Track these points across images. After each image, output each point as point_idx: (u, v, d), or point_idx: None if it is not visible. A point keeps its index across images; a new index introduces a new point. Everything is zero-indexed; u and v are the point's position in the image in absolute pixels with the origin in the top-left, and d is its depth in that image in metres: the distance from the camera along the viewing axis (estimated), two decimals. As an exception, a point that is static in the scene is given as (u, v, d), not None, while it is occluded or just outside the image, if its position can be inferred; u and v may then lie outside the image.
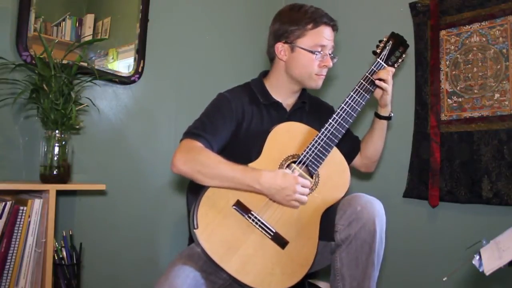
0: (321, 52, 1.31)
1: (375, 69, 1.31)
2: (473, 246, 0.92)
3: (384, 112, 1.39)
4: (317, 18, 1.30)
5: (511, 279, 1.49)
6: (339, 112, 1.27)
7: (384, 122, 1.40)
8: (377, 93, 1.35)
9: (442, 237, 1.77)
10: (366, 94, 1.29)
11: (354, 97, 1.28)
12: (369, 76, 1.30)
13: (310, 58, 1.31)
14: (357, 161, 1.50)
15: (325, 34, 1.31)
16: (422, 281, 1.79)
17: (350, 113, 1.27)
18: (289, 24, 1.32)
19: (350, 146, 1.46)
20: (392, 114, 1.40)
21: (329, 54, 1.33)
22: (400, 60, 1.35)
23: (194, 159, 1.17)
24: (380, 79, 1.30)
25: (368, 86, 1.30)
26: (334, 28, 1.35)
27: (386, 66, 1.33)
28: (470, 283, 1.63)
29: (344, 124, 1.26)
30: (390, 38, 1.35)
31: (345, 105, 1.27)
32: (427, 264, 1.79)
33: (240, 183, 1.15)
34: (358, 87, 1.29)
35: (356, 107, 1.28)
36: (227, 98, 1.32)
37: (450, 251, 1.70)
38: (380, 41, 1.35)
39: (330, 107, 1.51)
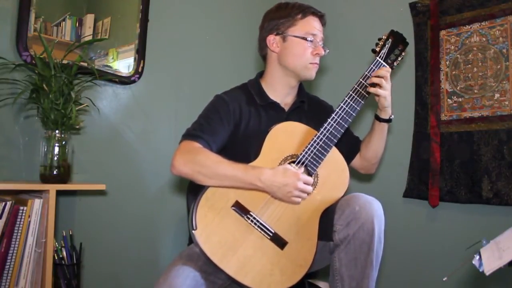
0: (313, 40, 1.32)
1: (374, 67, 1.30)
2: (473, 246, 0.92)
3: (384, 114, 1.36)
4: (305, 9, 1.34)
5: (511, 279, 1.49)
6: (338, 112, 1.26)
7: (384, 124, 1.38)
8: (375, 95, 1.33)
9: (442, 237, 1.77)
10: (365, 94, 1.29)
11: (354, 96, 1.28)
12: (368, 75, 1.30)
13: (303, 45, 1.32)
14: (357, 162, 1.48)
15: (314, 24, 1.34)
16: (422, 281, 1.79)
17: (350, 112, 1.27)
18: (279, 17, 1.35)
19: (349, 146, 1.45)
20: (393, 117, 1.37)
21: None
22: (399, 58, 1.34)
23: (193, 160, 1.17)
24: (373, 84, 1.28)
25: (367, 85, 1.29)
26: (322, 20, 1.38)
27: (385, 65, 1.31)
28: (470, 283, 1.63)
29: (343, 123, 1.26)
30: (389, 36, 1.34)
31: (344, 104, 1.27)
32: (427, 264, 1.79)
33: (241, 181, 1.15)
34: (357, 86, 1.29)
35: (356, 107, 1.27)
36: (224, 99, 1.33)
37: (450, 251, 1.70)
38: (380, 39, 1.35)
39: (330, 107, 1.50)
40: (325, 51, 1.35)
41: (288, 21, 1.34)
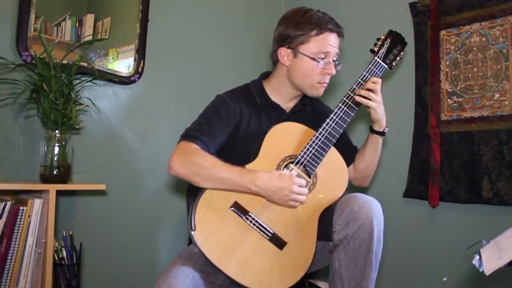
0: (325, 60, 1.28)
1: (372, 67, 1.30)
2: (473, 246, 0.92)
3: (377, 127, 1.33)
4: (322, 24, 1.28)
5: (511, 279, 1.49)
6: (336, 112, 1.26)
7: (377, 137, 1.35)
8: (366, 107, 1.31)
9: (442, 237, 1.76)
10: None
11: (352, 97, 1.27)
12: (366, 74, 1.29)
13: (313, 65, 1.29)
14: (350, 172, 1.42)
15: (329, 41, 1.29)
16: (422, 281, 1.79)
17: (348, 112, 1.26)
18: (293, 29, 1.30)
19: (344, 154, 1.37)
20: (387, 130, 1.34)
21: (333, 61, 1.31)
22: (398, 58, 1.33)
23: (190, 161, 1.17)
24: (360, 96, 1.26)
25: (362, 89, 1.29)
26: (340, 34, 1.33)
27: (384, 65, 1.30)
28: (470, 283, 1.63)
29: (342, 123, 1.25)
30: (388, 36, 1.33)
31: (342, 104, 1.27)
32: (427, 264, 1.79)
33: (237, 185, 1.15)
34: (356, 86, 1.29)
35: (354, 107, 1.27)
36: (225, 100, 1.32)
37: (450, 251, 1.70)
38: (378, 39, 1.34)
39: (331, 111, 1.49)
40: (338, 66, 1.32)
41: (302, 35, 1.28)
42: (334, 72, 1.31)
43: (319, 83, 1.32)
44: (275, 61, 1.38)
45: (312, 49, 1.28)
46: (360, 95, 1.26)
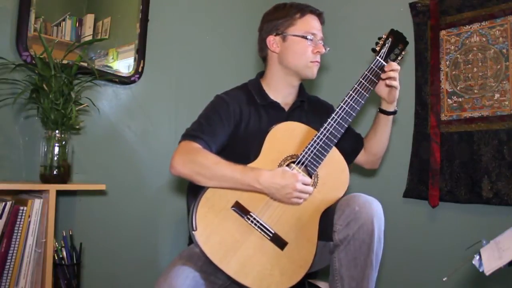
0: (313, 39, 1.33)
1: (374, 67, 1.31)
2: (473, 246, 0.92)
3: (391, 107, 1.37)
4: (303, 8, 1.35)
5: (511, 279, 1.49)
6: (338, 112, 1.26)
7: (390, 117, 1.40)
8: (383, 90, 1.35)
9: (442, 237, 1.76)
10: (365, 93, 1.28)
11: (354, 96, 1.28)
12: (369, 74, 1.30)
13: (303, 44, 1.33)
14: (362, 158, 1.49)
15: (312, 23, 1.35)
16: (422, 281, 1.79)
17: (350, 112, 1.27)
18: (277, 18, 1.36)
19: (353, 143, 1.46)
20: (397, 108, 1.39)
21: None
22: (399, 58, 1.34)
23: (193, 161, 1.17)
24: (390, 78, 1.30)
25: (368, 85, 1.29)
26: (321, 18, 1.39)
27: (385, 64, 1.31)
28: (470, 283, 1.63)
29: (343, 123, 1.26)
30: (389, 35, 1.34)
31: (344, 104, 1.27)
32: (427, 264, 1.79)
33: (240, 183, 1.15)
34: (358, 86, 1.29)
35: (356, 106, 1.27)
36: (225, 100, 1.33)
37: (450, 251, 1.70)
38: (380, 38, 1.34)
39: (330, 106, 1.50)
40: (325, 49, 1.36)
41: (287, 20, 1.34)
42: (323, 50, 1.35)
43: (311, 62, 1.34)
44: (264, 55, 1.41)
45: (299, 30, 1.34)
46: (388, 77, 1.30)
